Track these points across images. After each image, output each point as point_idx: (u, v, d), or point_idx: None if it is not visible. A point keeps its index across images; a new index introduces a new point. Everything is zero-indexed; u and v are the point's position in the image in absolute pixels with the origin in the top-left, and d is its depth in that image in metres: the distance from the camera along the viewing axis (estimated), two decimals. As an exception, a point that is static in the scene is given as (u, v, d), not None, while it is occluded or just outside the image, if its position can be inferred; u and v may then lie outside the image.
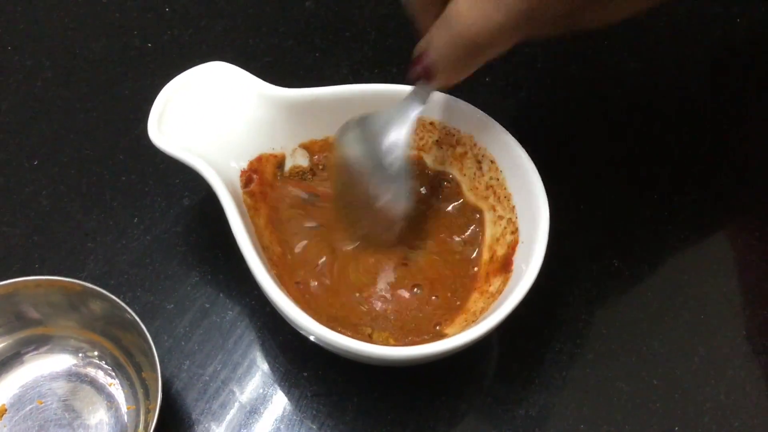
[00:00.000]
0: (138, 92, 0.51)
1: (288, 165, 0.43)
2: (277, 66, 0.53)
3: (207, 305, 0.42)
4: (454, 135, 0.41)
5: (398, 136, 0.37)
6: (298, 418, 0.38)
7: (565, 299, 0.42)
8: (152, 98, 0.50)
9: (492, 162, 0.40)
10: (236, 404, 0.39)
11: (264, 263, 0.35)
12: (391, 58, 0.54)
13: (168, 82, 0.40)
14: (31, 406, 0.37)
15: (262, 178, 0.41)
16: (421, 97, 0.37)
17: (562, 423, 0.39)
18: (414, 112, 0.37)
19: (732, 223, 0.46)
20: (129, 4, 0.56)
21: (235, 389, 0.39)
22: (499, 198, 0.40)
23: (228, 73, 0.41)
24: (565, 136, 0.50)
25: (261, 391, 0.39)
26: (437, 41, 0.33)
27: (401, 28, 0.56)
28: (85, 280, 0.36)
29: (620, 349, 0.41)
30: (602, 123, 0.51)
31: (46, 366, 0.38)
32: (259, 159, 0.41)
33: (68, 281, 0.36)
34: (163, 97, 0.40)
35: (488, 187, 0.40)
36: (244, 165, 0.40)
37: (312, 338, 0.34)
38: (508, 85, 0.52)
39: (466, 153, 0.41)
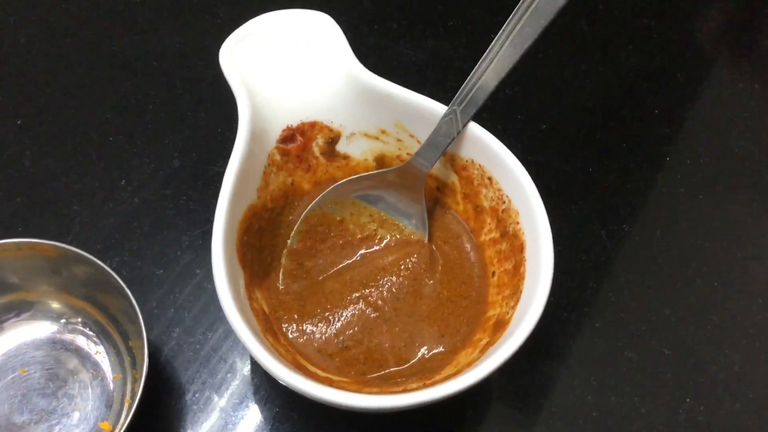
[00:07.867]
0: (125, 48, 0.49)
1: (341, 149, 0.39)
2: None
3: (197, 270, 0.40)
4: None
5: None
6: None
7: (572, 265, 0.40)
8: (141, 55, 0.48)
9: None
10: (227, 370, 0.37)
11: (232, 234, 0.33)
12: (391, 13, 0.51)
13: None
14: (13, 375, 0.36)
15: (306, 144, 0.38)
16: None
17: (568, 394, 0.37)
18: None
19: (746, 186, 0.44)
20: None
21: (226, 355, 0.38)
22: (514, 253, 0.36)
23: (324, 29, 0.38)
24: (578, 104, 0.48)
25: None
26: None
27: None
28: (70, 244, 0.35)
29: (629, 317, 0.39)
30: (615, 92, 0.49)
31: (29, 333, 0.37)
32: (313, 125, 0.38)
33: (50, 244, 0.35)
34: (252, 25, 0.37)
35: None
36: (294, 123, 0.38)
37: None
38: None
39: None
